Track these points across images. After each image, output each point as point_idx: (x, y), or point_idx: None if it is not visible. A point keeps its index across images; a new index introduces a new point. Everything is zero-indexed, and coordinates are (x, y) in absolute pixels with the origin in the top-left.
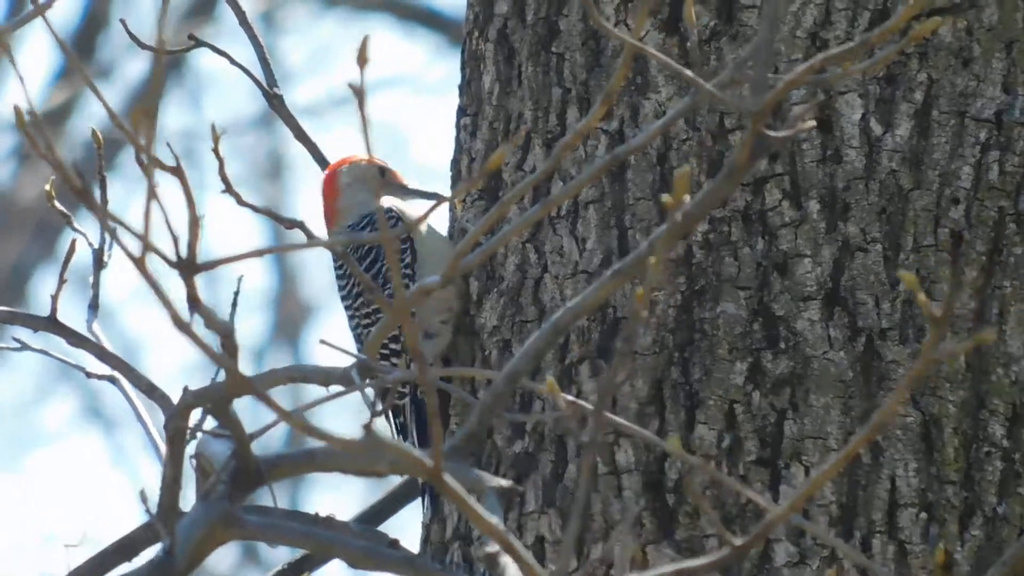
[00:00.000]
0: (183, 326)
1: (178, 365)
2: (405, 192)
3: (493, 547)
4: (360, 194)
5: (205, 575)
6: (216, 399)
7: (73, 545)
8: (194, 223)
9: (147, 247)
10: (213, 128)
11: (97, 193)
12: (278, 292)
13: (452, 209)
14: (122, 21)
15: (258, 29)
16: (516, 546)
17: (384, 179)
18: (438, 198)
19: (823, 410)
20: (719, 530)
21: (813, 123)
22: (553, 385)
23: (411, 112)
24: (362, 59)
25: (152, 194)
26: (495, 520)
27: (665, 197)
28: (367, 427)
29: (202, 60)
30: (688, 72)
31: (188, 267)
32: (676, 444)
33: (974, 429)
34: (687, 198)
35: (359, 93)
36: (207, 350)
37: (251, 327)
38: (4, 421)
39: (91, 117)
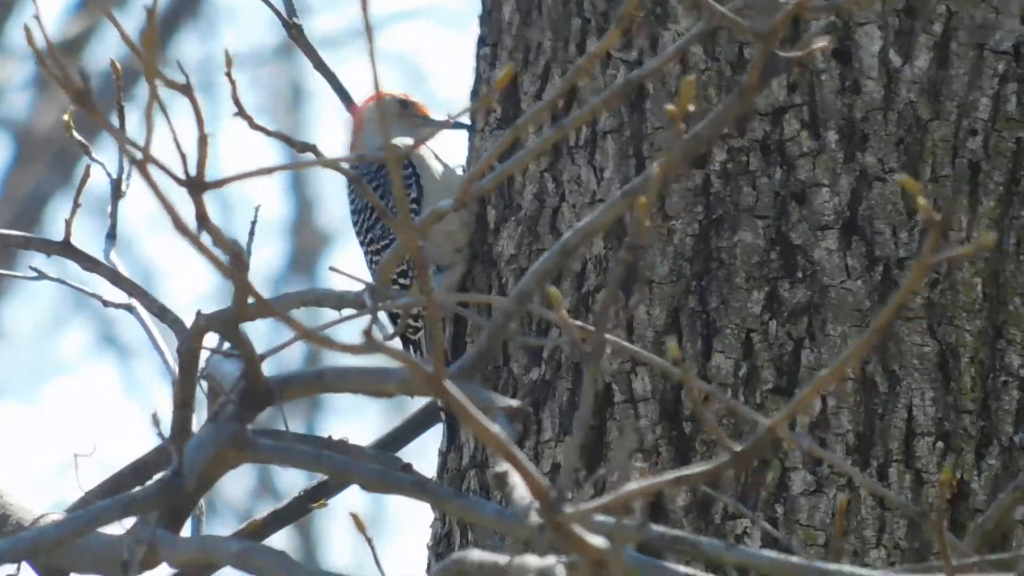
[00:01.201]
0: (190, 235)
1: (194, 294)
2: (428, 123)
3: (502, 467)
4: (382, 125)
5: (220, 504)
6: (229, 320)
7: (84, 456)
8: (202, 141)
9: (148, 158)
10: (227, 53)
11: (115, 122)
12: (295, 221)
13: (471, 139)
14: None
15: None
16: (518, 456)
17: (407, 111)
18: (460, 126)
19: (840, 339)
20: (719, 437)
21: (823, 44)
22: (556, 296)
23: (431, 44)
24: None
25: (155, 106)
26: (496, 429)
27: (669, 107)
28: (366, 332)
29: None
30: None
31: (196, 185)
32: (673, 349)
33: (991, 359)
34: (692, 106)
35: (366, 11)
36: (216, 262)
37: (268, 256)
38: (20, 350)
39: (109, 46)
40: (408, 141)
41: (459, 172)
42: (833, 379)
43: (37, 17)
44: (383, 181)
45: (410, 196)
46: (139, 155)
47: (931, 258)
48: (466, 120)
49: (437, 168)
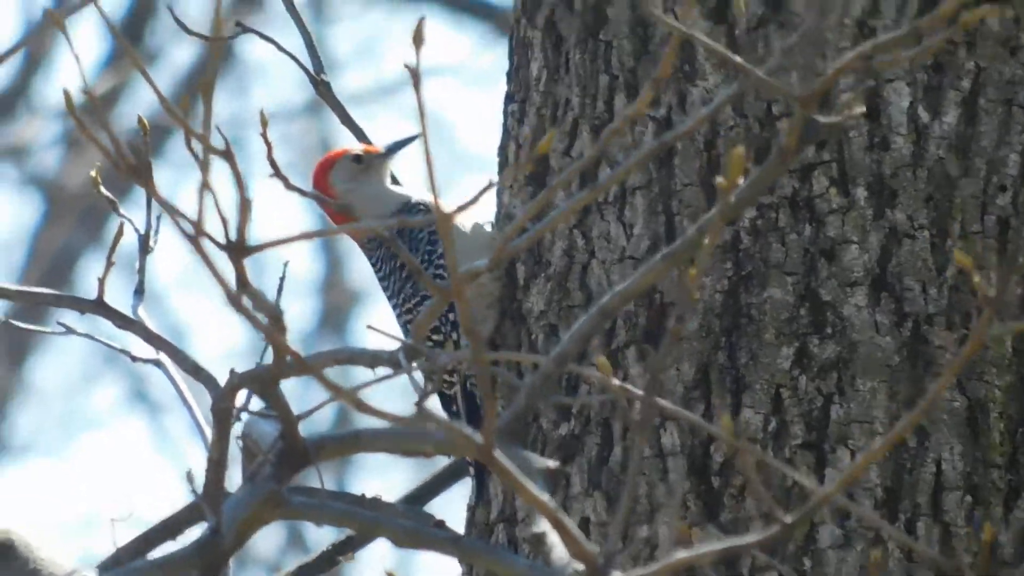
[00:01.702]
0: (235, 302)
1: (223, 351)
2: (387, 155)
3: (539, 527)
4: (355, 185)
5: (250, 558)
6: (263, 379)
7: (119, 519)
8: (243, 206)
9: (199, 229)
10: (261, 113)
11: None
12: (325, 279)
13: (500, 195)
14: (169, 8)
15: (306, 18)
16: (566, 523)
17: (363, 163)
18: (414, 138)
19: (869, 394)
20: (769, 507)
21: (861, 109)
22: (605, 364)
23: (458, 101)
24: (418, 40)
25: (204, 174)
26: (546, 497)
27: (719, 179)
28: (419, 404)
29: (250, 48)
30: (736, 58)
31: (238, 249)
32: (726, 423)
33: (1019, 413)
34: (740, 180)
35: (414, 74)
36: (258, 325)
37: (299, 313)
38: (51, 405)
39: (138, 104)
40: (428, 196)
41: (487, 228)
42: (885, 449)
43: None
44: (404, 240)
45: (437, 252)
46: (180, 225)
47: (984, 336)
48: (407, 136)
49: (466, 224)
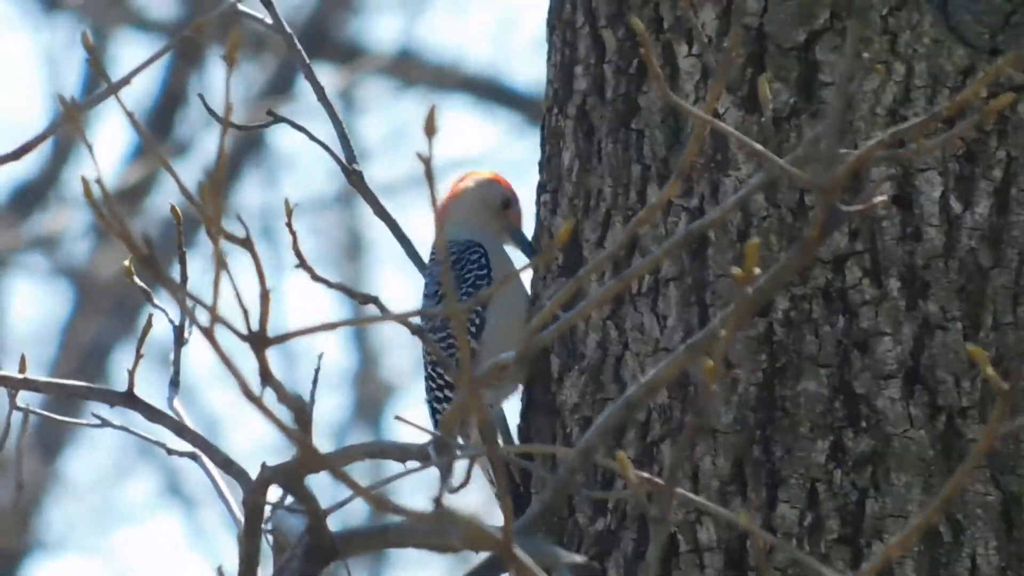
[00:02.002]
0: (253, 397)
1: (259, 444)
2: (513, 234)
3: None
4: (475, 209)
5: None
6: (291, 473)
7: None
8: (264, 296)
9: (215, 318)
10: (286, 202)
11: (177, 270)
12: (358, 372)
13: (533, 286)
14: (200, 96)
15: (337, 107)
16: None
17: (505, 211)
18: (532, 260)
19: (904, 488)
20: None
21: (886, 197)
22: (623, 460)
23: None
24: (430, 129)
25: (220, 264)
26: None
27: (735, 270)
28: (437, 500)
29: (281, 138)
30: (759, 147)
31: (259, 340)
32: (745, 520)
33: None
34: (757, 271)
35: (426, 162)
36: (278, 423)
37: (332, 407)
38: (84, 500)
39: (171, 194)
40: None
41: (523, 308)
42: (910, 540)
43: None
44: (459, 268)
45: (471, 331)
46: (205, 316)
47: (999, 430)
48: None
49: (507, 304)
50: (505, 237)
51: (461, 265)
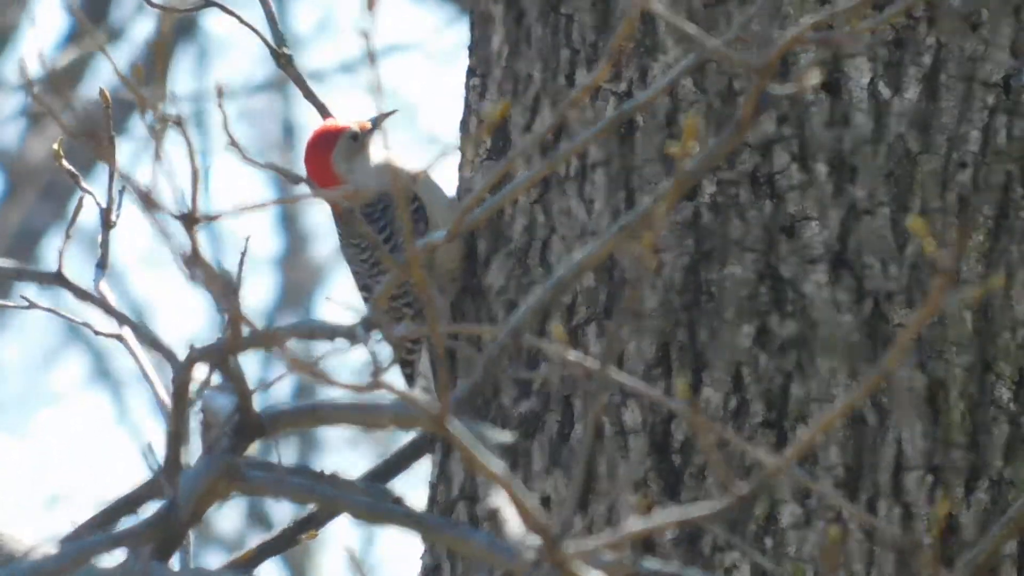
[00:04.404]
0: (188, 267)
1: (187, 330)
2: (374, 129)
3: (495, 501)
4: (357, 167)
5: (211, 536)
6: (220, 352)
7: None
8: (196, 175)
9: (149, 197)
10: (217, 84)
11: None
12: (286, 255)
13: (461, 171)
14: None
15: None
16: (519, 494)
17: (359, 141)
18: (393, 112)
19: (829, 373)
20: (724, 477)
21: (817, 78)
22: (560, 333)
23: (420, 80)
24: (370, 3)
25: (157, 142)
26: (500, 468)
27: (672, 146)
28: (375, 372)
29: (214, 24)
30: (692, 27)
31: (190, 219)
32: (684, 389)
33: (980, 393)
34: (695, 147)
35: (367, 37)
36: (213, 293)
37: (260, 290)
38: (11, 382)
39: (103, 79)
40: (406, 166)
41: (449, 196)
42: (833, 421)
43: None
44: (382, 212)
45: (420, 229)
46: (135, 199)
47: (940, 301)
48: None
49: (438, 196)
50: (374, 141)
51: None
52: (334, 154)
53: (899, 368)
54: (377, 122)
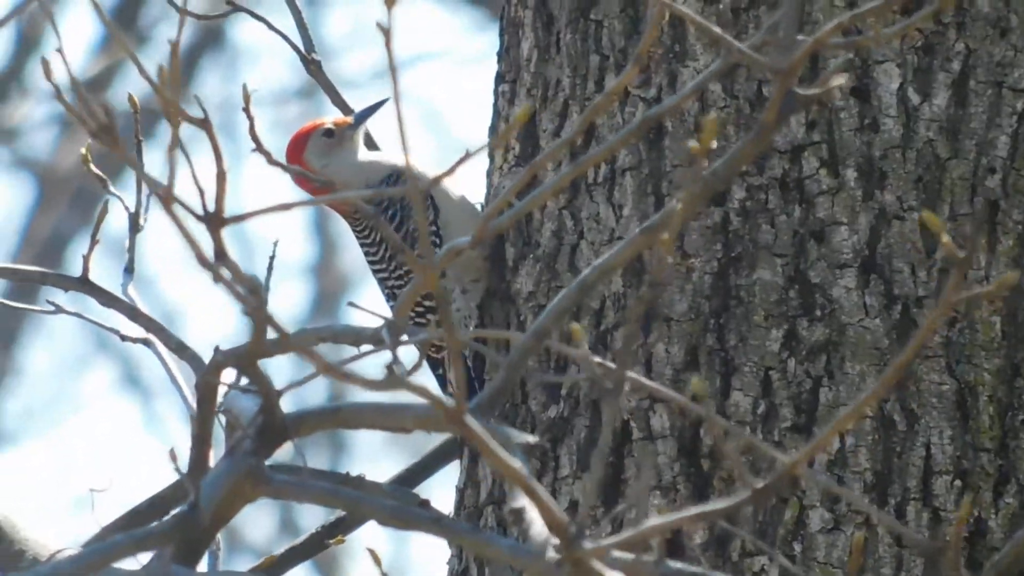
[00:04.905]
0: (213, 270)
1: (214, 335)
2: (357, 124)
3: (519, 502)
4: (335, 162)
5: (242, 544)
6: (245, 355)
7: (100, 491)
8: (221, 175)
9: (171, 197)
10: (244, 88)
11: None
12: (318, 263)
13: (489, 176)
14: None
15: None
16: (537, 489)
17: (334, 137)
18: (383, 103)
19: (858, 377)
20: (740, 472)
21: (842, 81)
22: (578, 330)
23: (449, 85)
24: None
25: (176, 143)
26: (517, 464)
27: (692, 144)
28: (389, 367)
29: (242, 32)
30: (719, 30)
31: (215, 220)
32: (698, 387)
33: (1009, 397)
34: (714, 144)
35: (386, 33)
36: (238, 295)
37: (291, 298)
38: (40, 388)
39: (133, 86)
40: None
41: (477, 208)
42: (853, 418)
43: (60, 50)
44: (393, 214)
45: (431, 230)
46: (161, 189)
47: (954, 296)
48: (376, 102)
49: (456, 200)
50: (358, 136)
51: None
52: (306, 152)
53: (927, 373)
54: (363, 116)
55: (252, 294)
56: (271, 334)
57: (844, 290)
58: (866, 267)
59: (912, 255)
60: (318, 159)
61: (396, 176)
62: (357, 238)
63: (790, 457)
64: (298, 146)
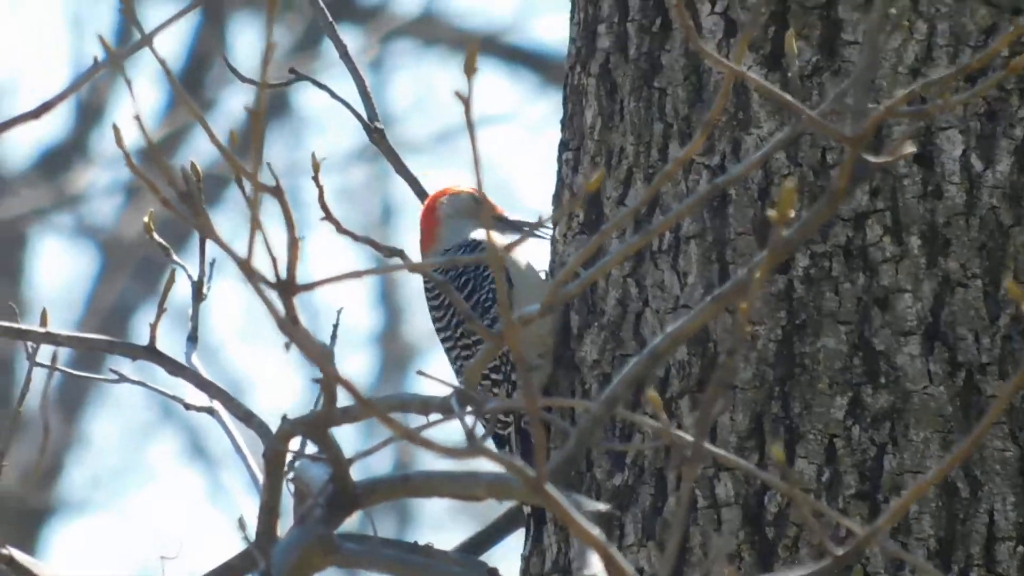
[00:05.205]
0: (288, 331)
1: (280, 405)
2: (502, 223)
3: (590, 570)
4: (458, 223)
5: None
6: (315, 424)
7: (169, 558)
8: (293, 243)
9: (248, 267)
10: (313, 157)
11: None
12: (384, 332)
13: (553, 244)
14: (223, 56)
15: (361, 68)
16: (615, 555)
17: (479, 206)
18: (533, 226)
19: (923, 444)
20: (821, 541)
21: (912, 149)
22: (656, 399)
23: (513, 150)
24: (470, 69)
25: (253, 210)
26: (596, 532)
27: (771, 212)
28: (469, 434)
29: (306, 99)
30: (788, 97)
31: (287, 288)
32: (779, 454)
33: None
34: (792, 213)
35: (465, 102)
36: (312, 357)
37: (358, 366)
38: (107, 457)
39: (197, 154)
40: (500, 240)
41: (541, 276)
42: (927, 487)
43: (137, 117)
44: (466, 281)
45: (489, 300)
46: (231, 269)
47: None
48: (547, 230)
49: (523, 268)
50: (501, 230)
51: (465, 277)
52: (448, 196)
53: (991, 440)
54: (511, 222)
55: (322, 363)
56: (340, 403)
57: (908, 357)
58: (930, 334)
59: (976, 322)
60: (452, 209)
61: (469, 245)
62: (427, 304)
63: (865, 526)
64: (446, 191)
